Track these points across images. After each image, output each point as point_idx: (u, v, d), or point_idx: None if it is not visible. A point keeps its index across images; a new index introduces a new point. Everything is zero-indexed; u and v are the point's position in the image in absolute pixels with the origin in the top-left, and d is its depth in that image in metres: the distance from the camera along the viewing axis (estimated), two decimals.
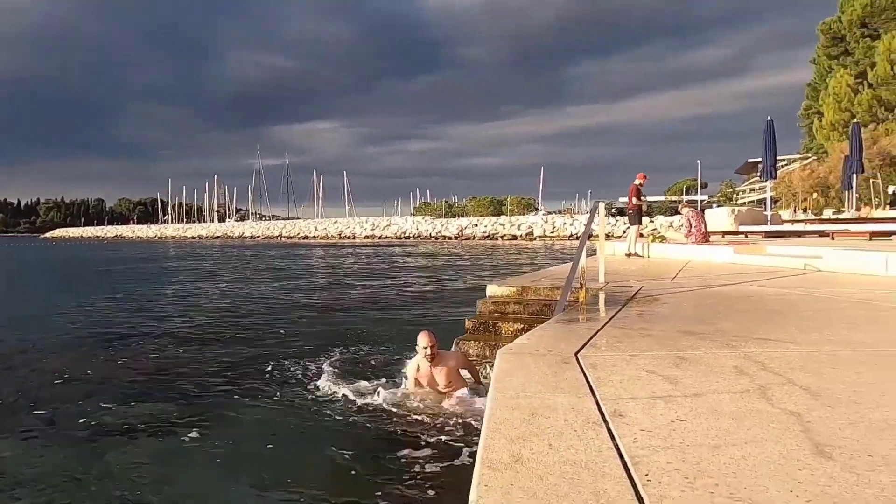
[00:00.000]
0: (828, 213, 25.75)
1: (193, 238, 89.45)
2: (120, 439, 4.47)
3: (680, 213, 11.94)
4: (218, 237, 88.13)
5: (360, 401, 5.00)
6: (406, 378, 5.23)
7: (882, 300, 4.58)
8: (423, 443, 4.10)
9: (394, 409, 4.77)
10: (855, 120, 25.41)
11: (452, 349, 5.39)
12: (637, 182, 10.90)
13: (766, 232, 15.15)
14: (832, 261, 7.09)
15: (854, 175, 20.71)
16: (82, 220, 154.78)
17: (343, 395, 5.19)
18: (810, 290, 5.30)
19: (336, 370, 6.10)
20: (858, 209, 21.49)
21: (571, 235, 54.12)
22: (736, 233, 15.41)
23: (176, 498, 3.54)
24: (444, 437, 4.18)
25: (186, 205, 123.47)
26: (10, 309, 12.42)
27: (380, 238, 68.79)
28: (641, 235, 11.42)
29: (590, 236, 5.31)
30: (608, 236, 9.37)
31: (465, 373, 5.06)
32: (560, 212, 74.82)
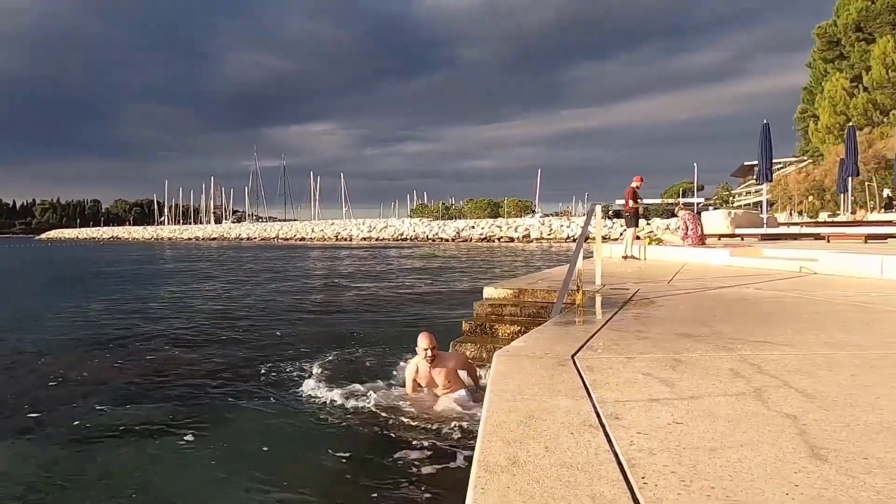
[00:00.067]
0: (823, 215, 25.89)
1: (190, 240, 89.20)
2: (115, 441, 4.45)
3: (676, 216, 11.97)
4: (214, 239, 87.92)
5: (356, 403, 4.99)
6: (405, 379, 5.22)
7: (877, 303, 4.59)
8: (419, 445, 4.09)
9: (391, 411, 4.76)
10: (850, 123, 25.52)
11: (449, 351, 5.39)
12: (634, 185, 10.92)
13: (762, 235, 15.20)
14: (828, 263, 7.12)
15: (849, 178, 20.82)
16: (78, 221, 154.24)
17: (339, 396, 5.17)
18: (806, 292, 5.32)
19: (332, 372, 6.08)
20: (854, 212, 21.60)
21: (568, 238, 54.22)
22: (732, 235, 15.46)
23: (172, 500, 3.53)
24: (441, 440, 4.17)
25: (183, 206, 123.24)
26: (5, 310, 12.35)
27: (376, 240, 68.75)
28: (638, 238, 11.44)
29: (586, 239, 5.31)
30: (605, 239, 9.36)
31: (463, 374, 5.05)
32: (557, 214, 74.94)
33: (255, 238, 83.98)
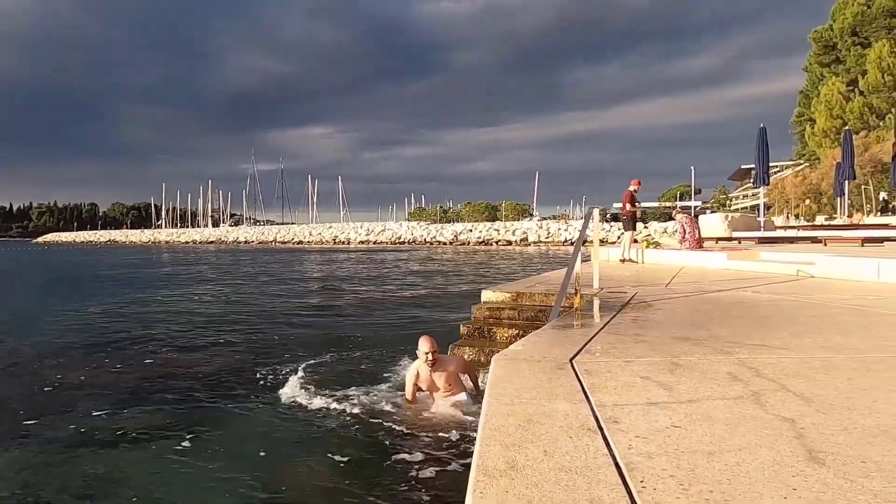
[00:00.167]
0: (820, 219, 25.97)
1: (187, 243, 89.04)
2: (114, 445, 4.43)
3: (674, 219, 12.00)
4: (212, 242, 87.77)
5: (355, 406, 4.98)
6: (405, 383, 5.20)
7: (874, 306, 4.61)
8: (419, 449, 4.08)
9: (390, 415, 4.76)
10: (847, 127, 25.65)
11: (449, 355, 5.38)
12: (631, 188, 10.96)
13: (759, 238, 15.23)
14: (825, 267, 7.14)
15: (846, 182, 20.90)
16: (75, 224, 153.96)
17: (338, 400, 5.15)
18: (803, 296, 5.33)
19: (331, 376, 6.07)
20: (850, 215, 21.69)
21: (566, 241, 54.24)
22: (729, 239, 15.49)
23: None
24: (441, 443, 4.16)
25: (180, 209, 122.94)
26: (3, 314, 12.31)
27: (374, 243, 68.71)
28: (636, 241, 11.46)
29: (584, 242, 5.32)
30: (602, 242, 9.41)
31: (464, 377, 5.05)
32: (554, 217, 75.09)
33: (252, 241, 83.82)
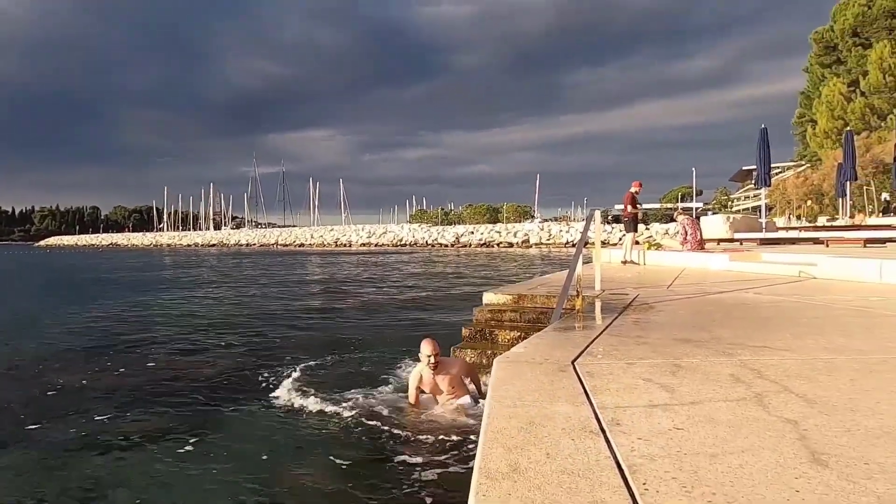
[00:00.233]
0: (822, 220, 25.92)
1: (189, 246, 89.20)
2: (115, 448, 4.43)
3: (675, 221, 11.98)
4: (213, 245, 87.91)
5: (357, 409, 4.97)
6: (408, 386, 5.20)
7: (877, 307, 4.60)
8: (421, 451, 4.08)
9: (393, 418, 4.75)
10: (848, 128, 25.61)
11: (451, 357, 5.38)
12: (633, 190, 10.96)
13: (761, 239, 15.22)
14: (827, 268, 7.13)
15: (848, 182, 20.85)
16: (77, 228, 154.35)
17: (340, 403, 5.15)
18: (805, 297, 5.32)
19: (332, 378, 6.07)
20: (852, 216, 21.65)
21: (567, 243, 54.23)
22: (731, 240, 15.49)
23: None
24: (443, 446, 4.16)
25: (182, 212, 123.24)
26: (5, 317, 12.33)
27: (376, 246, 68.79)
28: (637, 243, 11.45)
29: (586, 244, 5.32)
30: (604, 244, 9.41)
31: (467, 380, 5.04)
32: (556, 219, 75.05)
33: (254, 244, 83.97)
